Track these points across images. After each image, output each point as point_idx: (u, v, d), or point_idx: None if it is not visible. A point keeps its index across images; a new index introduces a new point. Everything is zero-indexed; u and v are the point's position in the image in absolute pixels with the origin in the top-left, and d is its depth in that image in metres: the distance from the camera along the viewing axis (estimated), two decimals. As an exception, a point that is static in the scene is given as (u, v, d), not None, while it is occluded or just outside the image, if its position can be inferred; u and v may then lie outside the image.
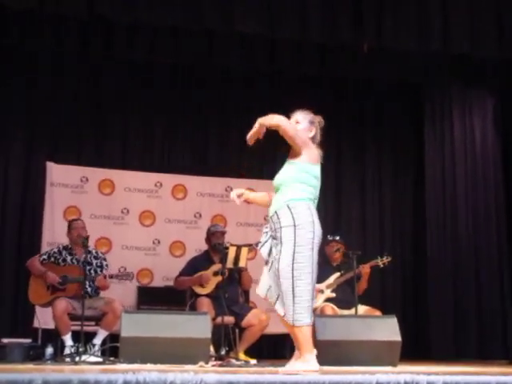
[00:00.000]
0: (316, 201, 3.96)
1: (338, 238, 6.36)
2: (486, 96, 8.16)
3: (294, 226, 3.75)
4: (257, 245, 4.17)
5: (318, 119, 4.16)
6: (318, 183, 3.97)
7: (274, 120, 3.88)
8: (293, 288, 3.69)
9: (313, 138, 4.06)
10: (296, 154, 3.92)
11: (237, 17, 5.83)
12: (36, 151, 7.37)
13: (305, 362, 3.70)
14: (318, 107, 8.33)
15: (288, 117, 4.05)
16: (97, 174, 7.30)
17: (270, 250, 3.91)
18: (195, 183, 7.60)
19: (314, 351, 3.78)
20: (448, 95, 8.20)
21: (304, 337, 3.72)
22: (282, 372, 3.50)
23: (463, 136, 8.11)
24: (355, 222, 8.23)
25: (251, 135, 3.95)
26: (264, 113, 8.02)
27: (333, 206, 8.22)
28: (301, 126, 4.06)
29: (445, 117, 8.17)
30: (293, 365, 3.78)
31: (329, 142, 8.14)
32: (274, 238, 3.87)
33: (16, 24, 6.27)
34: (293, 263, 3.71)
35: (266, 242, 3.95)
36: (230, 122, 7.99)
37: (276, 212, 3.86)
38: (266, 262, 3.98)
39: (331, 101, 8.42)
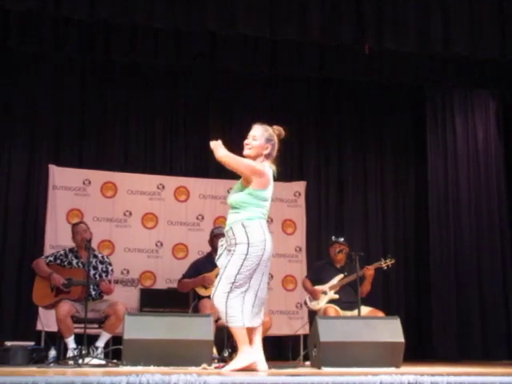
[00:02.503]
0: (267, 215, 4.16)
1: (341, 239, 6.34)
2: (488, 98, 8.15)
3: (248, 243, 3.98)
4: None
5: (277, 132, 4.26)
6: (267, 204, 4.15)
7: (218, 154, 4.08)
8: (228, 293, 3.94)
9: (267, 155, 4.19)
10: (245, 180, 4.10)
11: (238, 18, 5.83)
12: (38, 154, 7.38)
13: (239, 358, 3.97)
14: (318, 108, 8.37)
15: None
16: (99, 176, 7.29)
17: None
18: (197, 185, 7.59)
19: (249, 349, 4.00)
20: (450, 97, 8.20)
21: (238, 336, 4.00)
22: (223, 371, 3.83)
23: (465, 139, 8.11)
24: (358, 223, 8.21)
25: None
26: (265, 113, 8.01)
27: (335, 208, 8.22)
28: (257, 142, 4.18)
29: (447, 119, 8.17)
30: (231, 362, 4.08)
31: (330, 144, 8.29)
32: (229, 250, 4.07)
33: (17, 26, 6.27)
34: (236, 274, 3.95)
35: (221, 254, 4.17)
36: (231, 124, 7.98)
37: (231, 227, 4.06)
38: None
39: (332, 102, 8.42)
